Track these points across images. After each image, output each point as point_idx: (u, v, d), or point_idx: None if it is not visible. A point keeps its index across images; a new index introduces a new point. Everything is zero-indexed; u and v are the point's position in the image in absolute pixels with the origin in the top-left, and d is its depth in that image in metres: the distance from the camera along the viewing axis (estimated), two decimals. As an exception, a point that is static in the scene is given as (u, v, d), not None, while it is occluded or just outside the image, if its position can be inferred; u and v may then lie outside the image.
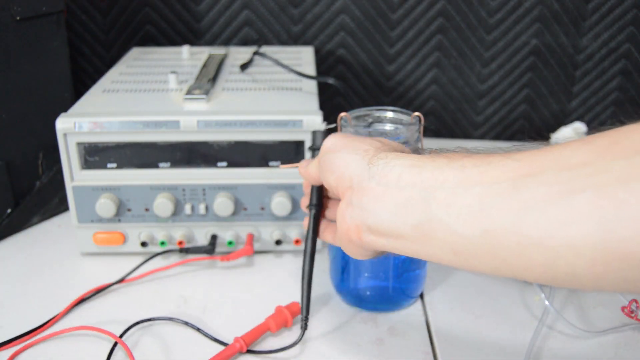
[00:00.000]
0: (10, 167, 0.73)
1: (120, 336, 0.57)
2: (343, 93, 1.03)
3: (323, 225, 0.56)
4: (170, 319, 0.60)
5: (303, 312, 0.55)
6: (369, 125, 0.59)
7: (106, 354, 0.55)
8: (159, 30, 1.00)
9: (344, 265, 0.61)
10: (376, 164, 0.43)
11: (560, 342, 0.57)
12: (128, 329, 0.58)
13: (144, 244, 0.69)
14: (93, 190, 0.67)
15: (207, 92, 0.71)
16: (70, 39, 0.98)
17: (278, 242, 0.70)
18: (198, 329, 0.58)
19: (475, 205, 0.36)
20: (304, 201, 0.58)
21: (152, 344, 0.57)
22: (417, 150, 0.58)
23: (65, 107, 0.70)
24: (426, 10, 0.97)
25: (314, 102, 0.70)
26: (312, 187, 0.56)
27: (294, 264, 0.70)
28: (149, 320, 0.59)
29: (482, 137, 1.05)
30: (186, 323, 0.59)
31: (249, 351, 0.55)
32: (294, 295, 0.64)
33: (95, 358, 0.55)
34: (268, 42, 1.00)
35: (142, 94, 0.73)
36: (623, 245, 0.30)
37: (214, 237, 0.69)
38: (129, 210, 0.68)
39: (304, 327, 0.55)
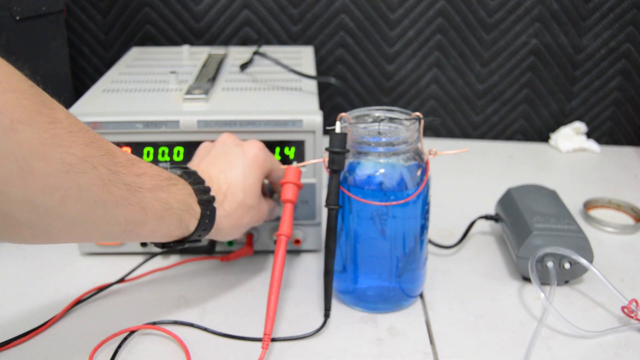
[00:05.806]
0: (10, 167, 0.73)
1: (125, 339, 0.57)
2: (343, 93, 1.03)
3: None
4: (198, 325, 0.60)
5: (326, 303, 0.59)
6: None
7: (107, 354, 0.55)
8: (159, 30, 1.00)
9: (344, 265, 0.61)
10: None
11: (560, 342, 0.57)
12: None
13: (143, 244, 0.69)
14: (93, 190, 0.67)
15: (206, 92, 0.71)
16: (70, 39, 0.98)
17: (278, 242, 0.70)
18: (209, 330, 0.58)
19: None
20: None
21: (155, 348, 0.57)
22: (417, 150, 0.58)
23: (65, 107, 0.70)
24: (426, 10, 0.97)
25: (313, 102, 0.70)
26: (331, 187, 0.57)
27: (293, 264, 0.70)
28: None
29: (481, 136, 1.05)
30: (191, 324, 0.59)
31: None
32: (294, 294, 0.64)
33: (95, 358, 0.55)
34: (268, 42, 1.00)
35: (142, 94, 0.73)
36: None
37: (213, 237, 0.69)
38: (129, 210, 0.68)
39: (327, 316, 0.59)
